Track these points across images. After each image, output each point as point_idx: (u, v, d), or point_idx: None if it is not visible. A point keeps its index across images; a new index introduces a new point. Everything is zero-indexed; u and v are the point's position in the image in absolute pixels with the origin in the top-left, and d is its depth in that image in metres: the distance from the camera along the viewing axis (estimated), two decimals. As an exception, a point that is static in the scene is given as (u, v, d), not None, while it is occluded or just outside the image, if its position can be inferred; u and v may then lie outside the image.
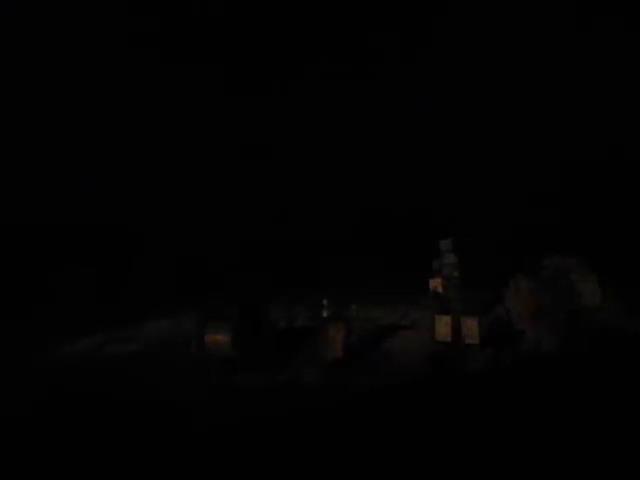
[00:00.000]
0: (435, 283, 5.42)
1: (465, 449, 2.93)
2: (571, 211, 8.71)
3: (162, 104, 10.07)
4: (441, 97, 9.92)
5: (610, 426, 3.10)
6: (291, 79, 10.29)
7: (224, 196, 10.26)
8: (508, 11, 9.36)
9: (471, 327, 4.91)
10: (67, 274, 8.40)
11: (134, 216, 9.66)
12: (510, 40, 9.40)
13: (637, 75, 8.94)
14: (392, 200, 10.00)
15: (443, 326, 5.01)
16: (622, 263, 6.53)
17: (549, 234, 7.82)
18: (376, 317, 6.08)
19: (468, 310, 5.10)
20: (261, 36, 10.16)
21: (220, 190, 10.29)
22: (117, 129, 9.99)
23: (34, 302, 7.61)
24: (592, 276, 5.37)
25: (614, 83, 9.03)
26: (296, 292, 7.25)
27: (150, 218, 9.68)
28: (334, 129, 10.39)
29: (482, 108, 9.77)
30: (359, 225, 9.70)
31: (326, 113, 10.31)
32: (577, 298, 5.27)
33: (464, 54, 9.74)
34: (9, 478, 2.93)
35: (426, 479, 2.69)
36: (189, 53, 10.07)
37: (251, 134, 10.49)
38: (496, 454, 2.86)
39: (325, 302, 5.05)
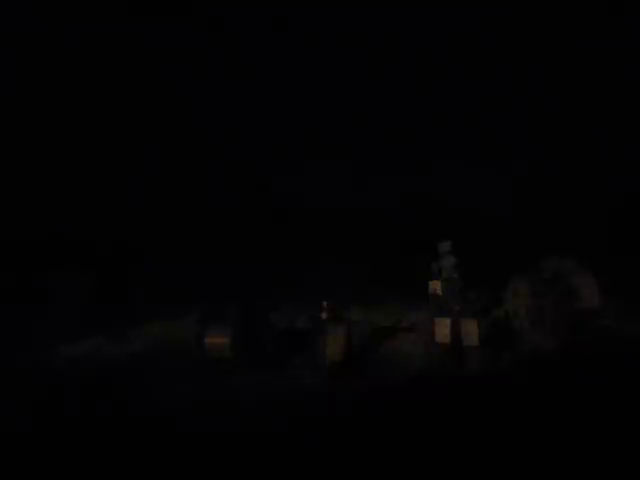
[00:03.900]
0: (434, 285, 5.43)
1: (465, 450, 2.94)
2: (571, 212, 8.72)
3: (167, 106, 10.09)
4: (440, 96, 9.93)
5: (610, 428, 3.11)
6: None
7: (224, 195, 10.27)
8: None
9: (471, 329, 4.92)
10: (67, 274, 8.40)
11: (134, 216, 9.66)
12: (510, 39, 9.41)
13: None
14: (391, 200, 10.00)
15: (443, 328, 5.02)
16: (622, 265, 6.53)
17: (548, 235, 7.83)
18: (376, 319, 6.09)
19: (468, 312, 5.12)
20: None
21: (220, 189, 10.30)
22: (120, 132, 10.01)
23: (34, 302, 7.61)
24: (592, 278, 5.37)
25: (615, 81, 9.04)
26: (296, 293, 7.26)
27: (150, 218, 9.68)
28: (335, 129, 10.40)
29: (481, 108, 9.78)
30: (358, 226, 9.70)
31: (325, 110, 10.32)
32: (576, 300, 5.27)
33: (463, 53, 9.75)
34: (8, 479, 2.94)
35: (425, 482, 2.70)
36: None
37: (250, 135, 10.50)
38: (496, 455, 2.87)
39: (325, 304, 5.05)
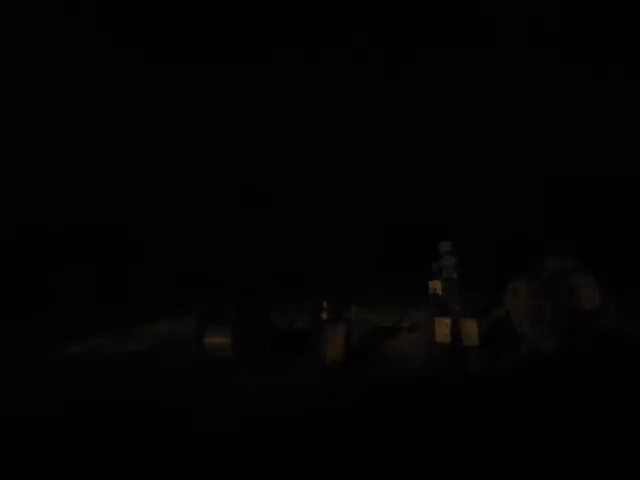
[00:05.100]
0: (434, 285, 5.43)
1: (465, 450, 2.94)
2: (571, 213, 8.72)
3: (169, 108, 10.10)
4: (438, 97, 9.93)
5: (610, 428, 3.11)
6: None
7: (224, 196, 10.27)
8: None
9: (471, 329, 4.93)
10: (67, 274, 8.41)
11: (135, 217, 9.67)
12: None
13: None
14: (391, 201, 10.01)
15: (443, 328, 5.03)
16: (622, 265, 6.52)
17: (549, 236, 7.82)
18: (376, 319, 6.09)
19: (468, 312, 5.12)
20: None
21: (220, 190, 10.30)
22: (122, 132, 10.01)
23: (34, 302, 7.62)
24: (592, 278, 5.36)
25: (616, 86, 9.03)
26: (296, 293, 7.26)
27: (151, 218, 9.69)
28: (334, 129, 10.41)
29: (481, 108, 9.78)
30: (358, 226, 9.71)
31: (325, 110, 10.33)
32: (576, 300, 5.26)
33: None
34: (9, 478, 2.94)
35: (425, 482, 2.70)
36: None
37: (252, 136, 10.51)
38: (496, 455, 2.87)
39: (325, 304, 5.05)
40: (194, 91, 10.33)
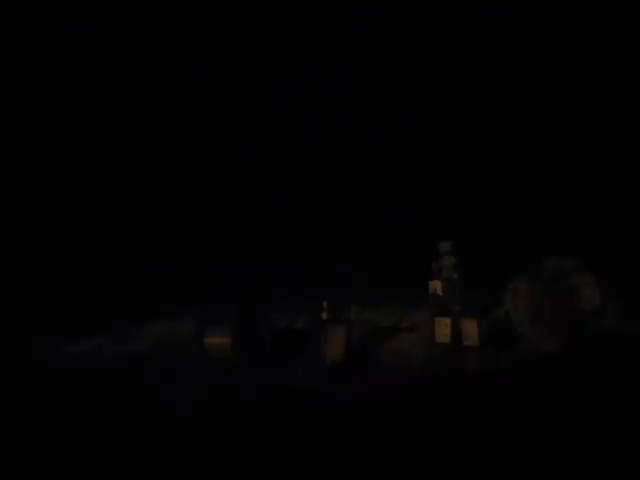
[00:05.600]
0: (434, 285, 5.43)
1: (465, 450, 2.94)
2: (570, 212, 8.72)
3: (166, 106, 10.10)
4: (438, 96, 9.92)
5: (610, 428, 3.11)
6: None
7: (224, 196, 10.27)
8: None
9: (471, 329, 4.93)
10: (67, 274, 8.41)
11: (134, 216, 9.66)
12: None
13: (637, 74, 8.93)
14: (391, 201, 10.01)
15: (443, 328, 5.02)
16: (622, 265, 6.52)
17: (548, 236, 7.82)
18: (376, 319, 6.09)
19: (468, 312, 5.12)
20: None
21: (220, 190, 10.30)
22: (120, 130, 10.01)
23: (34, 302, 7.62)
24: (592, 278, 5.37)
25: (614, 81, 9.01)
26: (295, 293, 7.26)
27: (150, 218, 9.68)
28: (333, 129, 10.40)
29: (479, 108, 9.78)
30: (358, 226, 9.71)
31: (323, 109, 10.33)
32: (576, 300, 5.27)
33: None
34: (9, 478, 2.94)
35: (425, 482, 2.70)
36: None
37: (251, 134, 10.51)
38: (496, 455, 2.87)
39: (325, 304, 5.05)
40: (194, 91, 10.32)
